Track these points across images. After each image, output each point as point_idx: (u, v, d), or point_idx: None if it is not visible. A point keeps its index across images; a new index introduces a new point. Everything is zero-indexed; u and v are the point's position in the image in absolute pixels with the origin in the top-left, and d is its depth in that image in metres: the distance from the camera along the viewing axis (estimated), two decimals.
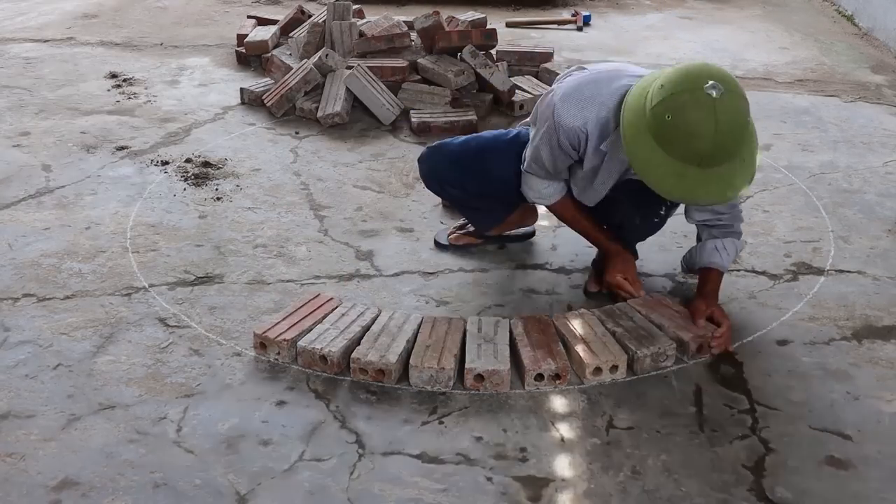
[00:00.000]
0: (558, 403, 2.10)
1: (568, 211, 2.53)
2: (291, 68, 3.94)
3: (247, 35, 4.54)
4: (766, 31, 5.23)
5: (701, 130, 1.99)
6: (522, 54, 4.41)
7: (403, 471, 1.88)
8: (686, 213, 2.44)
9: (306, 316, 2.30)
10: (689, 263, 2.53)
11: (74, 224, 2.88)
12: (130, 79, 4.23)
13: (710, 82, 2.00)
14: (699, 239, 2.45)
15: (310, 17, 4.65)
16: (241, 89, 3.94)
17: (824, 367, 2.24)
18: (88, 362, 2.21)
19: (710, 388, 2.16)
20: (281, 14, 4.93)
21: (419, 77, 3.95)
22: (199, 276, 2.60)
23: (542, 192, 2.49)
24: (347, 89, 3.74)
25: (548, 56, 4.39)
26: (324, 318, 2.30)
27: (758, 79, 4.40)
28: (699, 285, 2.41)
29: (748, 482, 1.86)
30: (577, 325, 2.29)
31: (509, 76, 4.05)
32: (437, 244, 2.81)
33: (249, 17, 5.00)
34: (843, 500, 1.83)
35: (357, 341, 2.22)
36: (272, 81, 4.01)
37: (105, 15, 5.38)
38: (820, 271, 2.67)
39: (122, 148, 3.43)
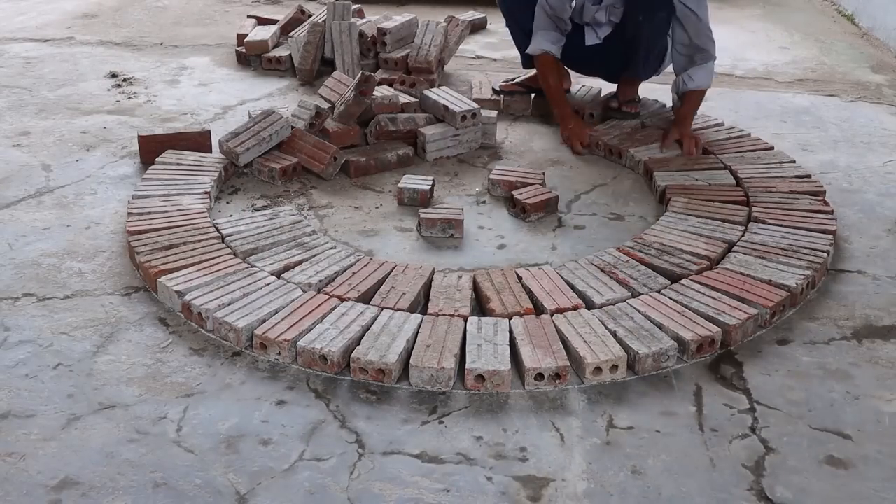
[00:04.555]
0: (558, 403, 2.10)
1: (545, 67, 3.60)
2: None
3: (247, 35, 4.54)
4: (766, 31, 5.23)
5: None
6: None
7: (403, 470, 1.88)
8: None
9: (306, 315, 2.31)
10: (676, 94, 3.53)
11: (74, 224, 2.88)
12: (130, 78, 4.22)
13: None
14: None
15: (310, 16, 4.65)
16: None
17: (824, 367, 2.24)
18: (88, 362, 2.21)
19: (710, 388, 2.16)
20: (281, 14, 4.92)
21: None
22: None
23: (535, 43, 3.56)
24: None
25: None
26: (323, 317, 2.31)
27: (758, 78, 4.40)
28: (676, 111, 3.53)
29: (748, 482, 1.87)
30: (577, 325, 2.29)
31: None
32: (493, 90, 3.84)
33: (249, 16, 5.00)
34: (843, 500, 1.83)
35: (357, 341, 2.22)
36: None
37: (105, 15, 5.38)
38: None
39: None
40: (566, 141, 3.55)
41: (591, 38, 3.59)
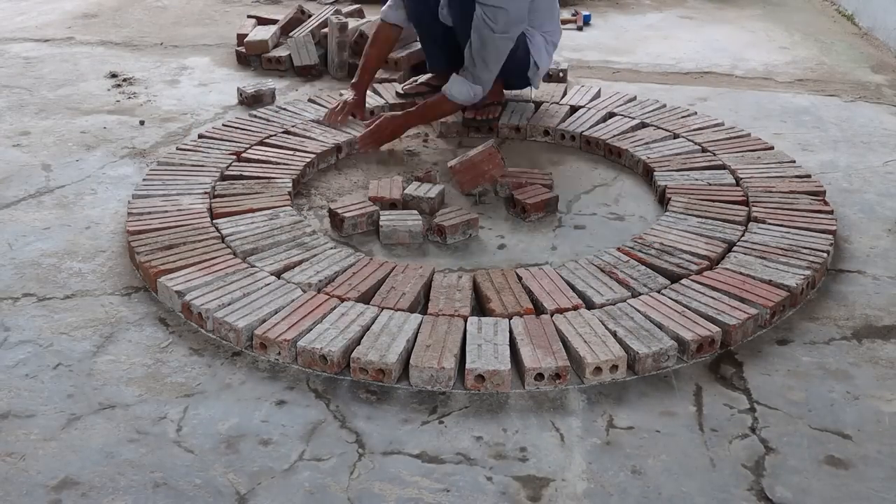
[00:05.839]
0: (558, 403, 2.10)
1: (378, 33, 3.72)
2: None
3: (247, 35, 4.54)
4: (766, 31, 5.23)
5: None
6: None
7: (403, 470, 1.89)
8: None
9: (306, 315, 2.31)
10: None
11: (74, 224, 2.88)
12: (130, 78, 4.22)
13: None
14: None
15: (310, 16, 4.65)
16: (238, 89, 3.94)
17: (824, 367, 2.24)
18: (88, 362, 2.21)
19: (710, 388, 2.17)
20: (281, 14, 4.92)
21: None
22: None
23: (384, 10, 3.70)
24: None
25: None
26: (323, 317, 2.31)
27: (758, 79, 4.40)
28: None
29: (748, 482, 1.87)
30: (577, 325, 2.29)
31: None
32: (397, 93, 3.80)
33: (249, 16, 4.99)
34: (843, 500, 1.83)
35: (357, 341, 2.22)
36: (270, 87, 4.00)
37: (105, 14, 5.38)
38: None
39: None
40: (335, 109, 3.57)
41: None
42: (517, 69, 3.57)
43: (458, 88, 3.39)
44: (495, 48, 3.32)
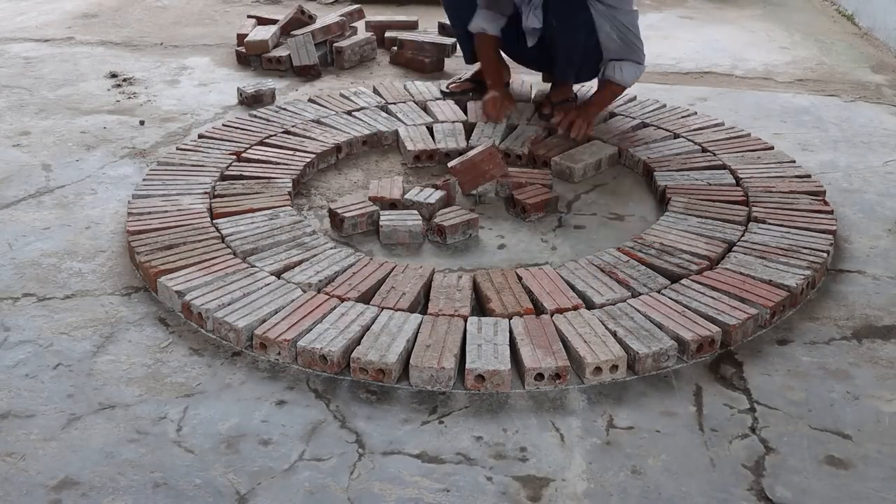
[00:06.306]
0: (558, 403, 2.10)
1: (482, 44, 3.68)
2: None
3: (247, 35, 4.54)
4: (766, 31, 5.23)
5: None
6: None
7: (403, 470, 1.89)
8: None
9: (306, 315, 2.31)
10: (598, 81, 3.61)
11: (74, 224, 2.88)
12: (130, 78, 4.22)
13: None
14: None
15: (310, 16, 4.65)
16: (238, 89, 3.94)
17: (824, 367, 2.24)
18: (88, 362, 2.21)
19: (710, 388, 2.17)
20: (281, 14, 4.92)
21: None
22: None
23: (474, 21, 3.62)
24: None
25: None
26: (323, 317, 2.31)
27: (758, 79, 4.40)
28: (593, 95, 3.62)
29: (748, 482, 1.87)
30: (577, 325, 2.29)
31: None
32: (441, 91, 3.87)
33: (249, 16, 4.99)
34: (843, 500, 1.83)
35: (357, 341, 2.22)
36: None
37: (105, 14, 5.38)
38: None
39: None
40: (483, 105, 3.60)
41: (530, 41, 3.61)
42: (592, 57, 3.58)
43: (630, 73, 3.50)
44: (633, 23, 3.46)
